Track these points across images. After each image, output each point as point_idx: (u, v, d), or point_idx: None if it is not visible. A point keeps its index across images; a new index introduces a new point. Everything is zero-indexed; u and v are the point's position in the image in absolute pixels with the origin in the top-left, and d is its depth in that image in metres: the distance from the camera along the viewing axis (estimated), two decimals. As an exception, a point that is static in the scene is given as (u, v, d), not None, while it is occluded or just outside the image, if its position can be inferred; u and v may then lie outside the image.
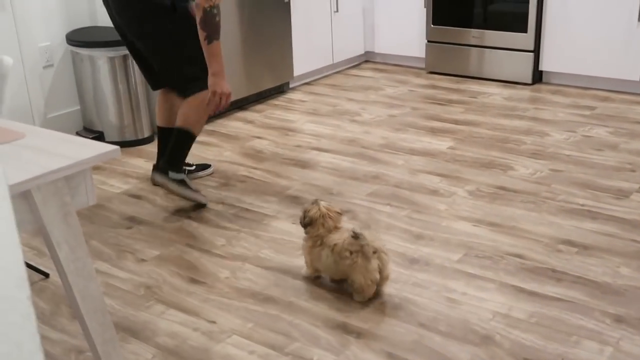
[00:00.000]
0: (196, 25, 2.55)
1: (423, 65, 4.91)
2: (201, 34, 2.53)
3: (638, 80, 4.13)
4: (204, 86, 2.70)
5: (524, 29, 4.33)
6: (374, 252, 2.14)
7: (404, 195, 2.95)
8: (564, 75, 4.44)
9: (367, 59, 5.29)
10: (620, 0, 4.05)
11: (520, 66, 4.43)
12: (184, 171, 2.86)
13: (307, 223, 2.23)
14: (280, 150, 3.54)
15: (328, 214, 2.22)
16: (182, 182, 2.82)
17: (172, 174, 2.80)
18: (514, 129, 3.71)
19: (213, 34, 2.53)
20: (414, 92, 4.46)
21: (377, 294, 2.20)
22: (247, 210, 2.87)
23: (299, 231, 2.65)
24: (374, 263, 2.13)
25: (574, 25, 4.25)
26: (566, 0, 4.23)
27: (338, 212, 2.25)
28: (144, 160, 3.43)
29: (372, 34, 5.14)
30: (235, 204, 2.93)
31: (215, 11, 2.50)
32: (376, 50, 5.18)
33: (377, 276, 2.14)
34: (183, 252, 2.55)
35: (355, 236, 2.10)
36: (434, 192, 2.97)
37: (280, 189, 3.07)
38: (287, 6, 4.32)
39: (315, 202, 2.25)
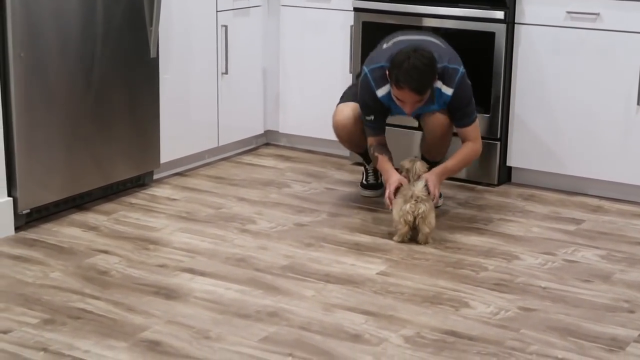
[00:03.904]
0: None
1: (347, 154, 5.08)
2: None
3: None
4: None
5: (485, 109, 4.58)
6: (414, 199, 3.78)
7: (313, 342, 3.00)
8: (540, 175, 4.69)
9: (267, 142, 5.43)
10: (615, 78, 4.37)
11: (481, 160, 4.64)
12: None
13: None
14: (136, 271, 3.55)
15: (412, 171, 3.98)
16: None
17: None
18: (471, 248, 3.86)
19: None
20: (333, 192, 4.60)
21: (416, 240, 3.87)
22: (81, 360, 2.86)
23: (158, 393, 2.65)
24: (408, 206, 3.78)
25: (554, 107, 4.53)
26: (543, 71, 4.53)
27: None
28: None
29: (276, 106, 5.31)
30: (63, 352, 2.90)
31: (371, 150, 4.24)
32: (281, 130, 5.34)
33: (409, 218, 3.79)
34: None
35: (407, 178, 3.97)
36: (357, 338, 3.03)
37: (133, 329, 3.07)
38: (155, 63, 4.44)
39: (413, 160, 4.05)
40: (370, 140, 4.25)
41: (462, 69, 4.05)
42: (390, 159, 4.17)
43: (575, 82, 4.45)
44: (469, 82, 4.10)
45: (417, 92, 3.87)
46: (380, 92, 4.06)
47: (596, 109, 4.43)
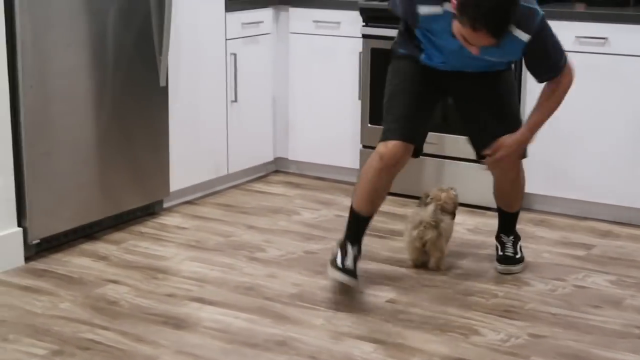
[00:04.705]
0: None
1: (355, 180, 5.08)
2: None
3: (650, 208, 4.42)
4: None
5: (495, 135, 4.58)
6: (423, 225, 3.76)
7: (322, 371, 3.00)
8: (551, 200, 4.68)
9: (277, 169, 5.44)
10: (623, 101, 4.38)
11: (492, 186, 4.63)
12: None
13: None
14: (145, 301, 3.55)
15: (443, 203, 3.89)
16: None
17: None
18: (480, 274, 3.86)
19: None
20: (343, 219, 4.56)
21: (427, 267, 3.87)
22: (89, 392, 2.87)
23: None
24: (416, 232, 3.78)
25: (563, 131, 4.52)
26: (551, 98, 4.52)
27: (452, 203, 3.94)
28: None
29: (285, 133, 5.32)
30: (72, 383, 2.91)
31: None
32: (290, 157, 5.35)
33: (417, 245, 3.81)
34: None
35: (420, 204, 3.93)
36: (365, 367, 3.03)
37: None
38: (164, 92, 4.47)
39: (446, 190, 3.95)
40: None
41: (541, 11, 3.38)
42: None
43: (584, 106, 4.44)
44: (549, 25, 3.42)
45: (494, 35, 3.19)
46: (424, 9, 3.38)
47: (605, 133, 4.43)
